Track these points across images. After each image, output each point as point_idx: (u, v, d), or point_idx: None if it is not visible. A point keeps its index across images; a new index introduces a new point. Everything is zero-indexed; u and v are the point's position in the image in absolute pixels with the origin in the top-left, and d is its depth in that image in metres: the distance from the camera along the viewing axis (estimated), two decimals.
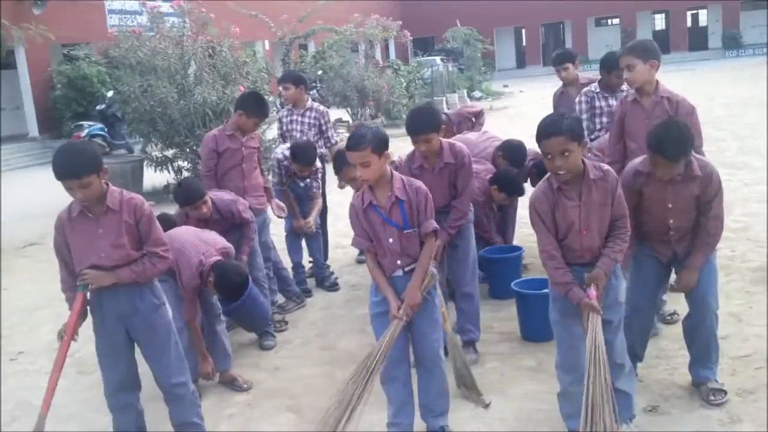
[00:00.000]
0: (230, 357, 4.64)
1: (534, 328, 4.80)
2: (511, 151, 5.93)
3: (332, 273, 6.44)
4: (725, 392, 3.82)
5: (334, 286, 6.31)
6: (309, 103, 6.63)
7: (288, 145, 6.12)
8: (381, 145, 3.45)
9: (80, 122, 18.55)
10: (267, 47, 27.95)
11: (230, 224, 4.96)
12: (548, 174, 3.37)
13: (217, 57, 11.34)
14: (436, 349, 3.67)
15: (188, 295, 4.30)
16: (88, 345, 5.47)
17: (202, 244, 4.40)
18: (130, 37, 11.41)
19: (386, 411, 3.70)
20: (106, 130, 18.39)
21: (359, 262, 6.84)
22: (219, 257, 4.40)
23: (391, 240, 3.51)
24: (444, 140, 4.42)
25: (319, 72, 21.72)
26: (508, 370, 4.45)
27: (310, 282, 6.38)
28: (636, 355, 3.93)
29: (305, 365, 4.83)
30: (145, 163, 12.15)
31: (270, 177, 6.09)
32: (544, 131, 3.24)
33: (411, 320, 3.56)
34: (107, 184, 3.41)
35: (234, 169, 5.39)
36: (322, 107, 6.72)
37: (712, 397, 3.80)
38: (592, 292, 3.27)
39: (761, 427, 3.53)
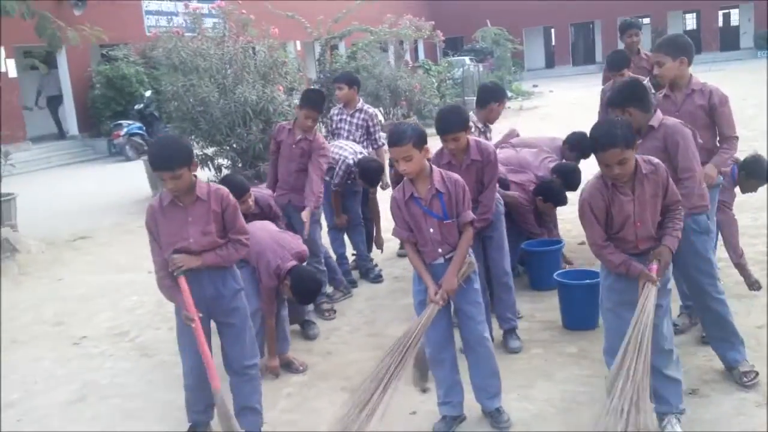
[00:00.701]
0: (288, 341, 4.89)
1: (576, 318, 5.01)
2: (577, 141, 6.17)
3: (376, 265, 6.68)
4: (757, 372, 3.99)
5: (378, 278, 6.55)
6: (360, 104, 6.82)
7: (358, 152, 6.30)
8: (421, 140, 3.67)
9: (119, 121, 19.00)
10: (299, 47, 28.29)
11: (265, 217, 5.17)
12: (598, 172, 3.51)
13: (257, 57, 11.63)
14: (482, 330, 3.89)
15: (266, 295, 4.55)
16: (147, 331, 5.82)
17: (279, 248, 4.62)
18: (172, 38, 11.73)
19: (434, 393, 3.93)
20: (144, 128, 18.83)
21: (400, 255, 7.07)
22: (295, 262, 4.64)
23: (431, 230, 3.74)
24: (471, 138, 4.58)
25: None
26: (551, 356, 4.66)
27: (355, 274, 6.62)
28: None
29: (355, 350, 5.07)
30: None
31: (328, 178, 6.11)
32: (601, 144, 3.35)
33: (456, 305, 3.81)
34: (195, 176, 3.66)
35: (285, 162, 5.69)
36: (372, 109, 6.91)
37: (745, 379, 3.97)
38: (654, 266, 3.44)
39: None
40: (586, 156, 6.21)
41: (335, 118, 6.87)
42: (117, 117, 19.59)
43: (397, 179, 6.79)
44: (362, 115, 6.78)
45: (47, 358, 5.51)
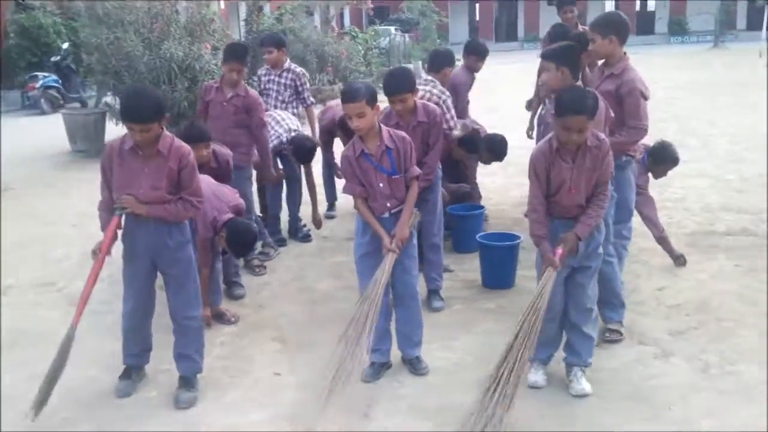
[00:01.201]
0: (221, 294, 5.04)
1: (494, 277, 5.33)
2: (494, 144, 6.48)
3: (304, 225, 6.85)
4: (621, 333, 4.38)
5: (307, 237, 6.73)
6: (287, 64, 6.91)
7: (293, 129, 6.36)
8: (373, 98, 3.86)
9: (35, 73, 18.34)
10: (222, 6, 27.77)
11: (221, 173, 5.27)
12: (550, 135, 3.73)
13: (184, 14, 11.50)
14: (414, 284, 4.14)
15: (201, 246, 4.63)
16: (74, 282, 5.84)
17: (215, 199, 4.72)
18: None
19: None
20: (60, 82, 18.25)
21: (328, 217, 7.28)
22: (231, 215, 4.76)
23: (381, 185, 3.95)
24: (418, 101, 4.80)
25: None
26: (471, 312, 4.96)
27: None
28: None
29: (286, 303, 5.26)
30: (107, 116, 12.23)
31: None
32: (570, 108, 3.50)
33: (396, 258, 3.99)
34: (162, 129, 3.70)
35: (217, 120, 5.74)
36: (299, 69, 6.98)
37: (607, 334, 4.36)
38: (559, 250, 3.68)
39: (689, 360, 4.12)
40: (500, 159, 6.57)
41: (263, 78, 6.94)
42: (32, 69, 18.89)
43: (325, 140, 6.99)
44: (290, 75, 6.88)
45: None
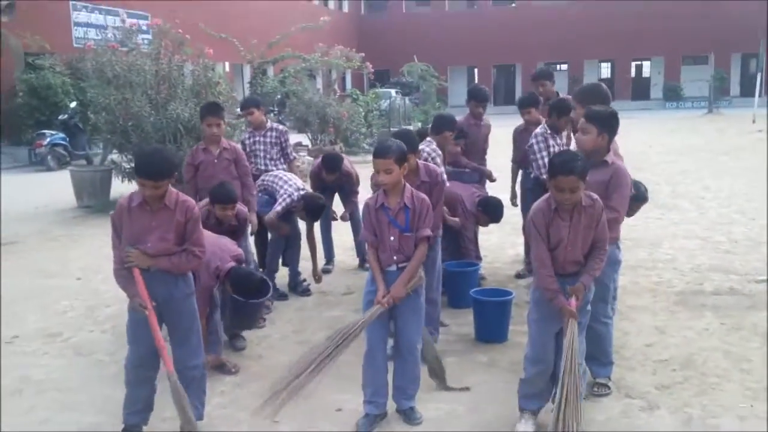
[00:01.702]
0: (221, 344, 5.19)
1: (488, 331, 5.50)
2: (491, 207, 6.74)
3: (304, 280, 7.03)
4: (608, 387, 4.52)
5: (306, 291, 6.90)
6: (269, 123, 7.30)
7: (301, 187, 6.61)
8: (402, 157, 4.10)
9: (42, 131, 18.76)
10: (227, 68, 28.48)
11: (237, 230, 5.56)
12: (547, 195, 3.92)
13: (191, 76, 11.88)
14: (415, 341, 4.28)
15: (203, 295, 4.78)
16: (79, 333, 6.00)
17: (219, 250, 4.96)
18: (107, 51, 11.87)
19: (359, 392, 4.30)
20: (67, 139, 18.65)
21: (325, 271, 7.46)
22: (233, 263, 4.98)
23: (392, 238, 4.16)
24: (420, 162, 5.08)
25: (278, 97, 22.32)
26: (465, 364, 5.11)
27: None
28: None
29: (284, 354, 5.38)
30: (113, 173, 12.52)
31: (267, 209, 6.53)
32: (561, 170, 3.71)
33: (396, 313, 4.18)
34: (169, 186, 3.94)
35: (211, 179, 5.91)
36: (281, 126, 7.41)
37: (596, 389, 4.50)
38: (573, 301, 3.88)
39: (674, 413, 4.27)
40: (497, 221, 6.86)
41: (247, 141, 7.22)
42: (39, 126, 19.35)
43: (314, 186, 7.25)
44: (275, 133, 7.24)
45: None
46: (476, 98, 7.26)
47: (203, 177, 6.04)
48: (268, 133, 7.20)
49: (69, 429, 4.30)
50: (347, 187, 7.57)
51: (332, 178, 7.22)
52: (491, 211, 6.67)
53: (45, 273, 8.03)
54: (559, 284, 3.93)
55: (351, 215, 7.60)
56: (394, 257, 4.18)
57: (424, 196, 4.27)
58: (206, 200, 5.55)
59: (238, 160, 6.11)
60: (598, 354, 4.54)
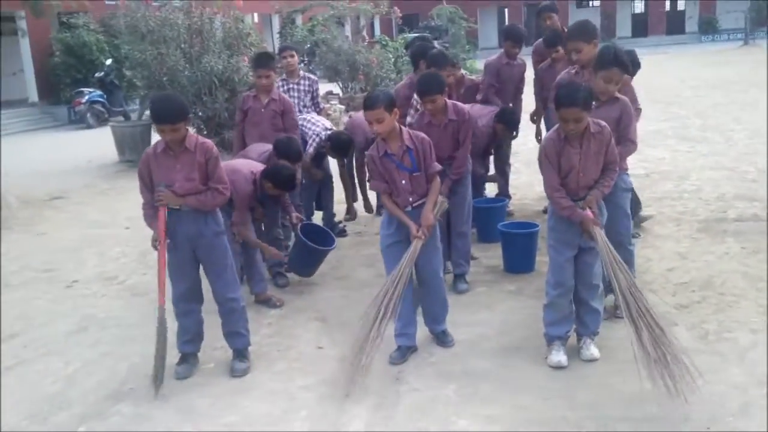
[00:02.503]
0: (265, 282, 5.57)
1: (515, 262, 5.80)
2: (507, 117, 6.84)
3: (339, 221, 7.35)
4: None
5: (342, 233, 7.23)
6: (301, 72, 7.44)
7: (328, 127, 6.80)
8: (391, 104, 4.26)
9: (80, 89, 19.23)
10: (256, 20, 28.59)
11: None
12: (557, 125, 4.12)
13: (221, 28, 12.11)
14: (438, 269, 4.57)
15: (241, 203, 5.13)
16: (134, 276, 6.43)
17: (247, 164, 5.38)
18: (140, 6, 12.13)
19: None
20: (105, 97, 19.10)
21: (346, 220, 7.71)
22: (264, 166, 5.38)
23: (403, 182, 4.39)
24: (449, 101, 5.27)
25: (307, 46, 22.43)
26: (494, 294, 5.43)
27: None
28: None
29: (325, 290, 5.78)
30: (152, 128, 12.90)
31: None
32: (564, 102, 3.92)
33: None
34: (187, 129, 4.26)
35: (256, 127, 6.27)
36: (313, 76, 7.55)
37: (618, 312, 4.47)
38: (589, 212, 4.10)
39: (691, 329, 4.55)
40: (514, 129, 6.98)
41: (281, 89, 7.27)
42: (77, 85, 19.81)
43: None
44: (307, 82, 7.38)
45: (42, 298, 6.07)
46: (512, 38, 7.26)
47: (250, 123, 6.32)
48: (301, 82, 7.36)
49: (132, 360, 4.71)
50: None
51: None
52: (507, 120, 6.71)
53: (97, 224, 8.50)
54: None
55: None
56: (410, 198, 4.39)
57: (422, 134, 4.45)
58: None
59: (285, 112, 6.30)
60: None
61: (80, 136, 17.51)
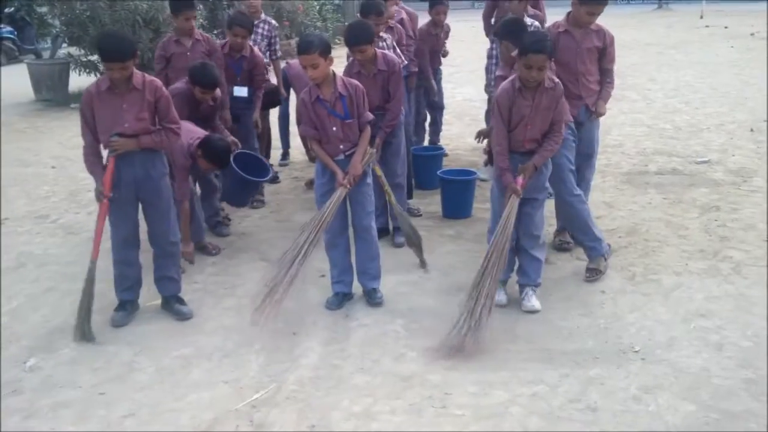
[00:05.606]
0: (203, 230, 5.51)
1: (453, 208, 5.99)
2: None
3: (271, 165, 7.30)
4: (601, 271, 4.78)
5: (276, 179, 7.18)
6: (263, 15, 7.18)
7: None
8: (326, 49, 4.14)
9: None
10: None
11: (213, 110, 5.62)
12: (512, 77, 4.23)
13: None
14: (370, 220, 4.51)
15: (181, 176, 4.96)
16: (66, 215, 6.32)
17: (186, 132, 5.04)
18: None
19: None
20: (15, 33, 18.18)
21: (282, 165, 7.75)
22: (201, 137, 5.22)
23: (335, 128, 4.29)
24: (378, 51, 5.17)
25: None
26: (433, 237, 5.59)
27: None
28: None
29: (265, 232, 5.84)
30: (71, 66, 12.44)
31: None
32: (532, 47, 3.96)
33: (350, 196, 4.39)
34: (133, 68, 4.08)
35: (183, 71, 5.71)
36: (273, 21, 7.30)
37: (587, 274, 4.79)
38: (520, 179, 4.21)
39: (619, 271, 4.87)
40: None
41: None
42: None
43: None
44: (267, 26, 7.17)
45: None
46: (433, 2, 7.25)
47: (175, 69, 5.86)
48: (261, 25, 7.06)
49: (75, 296, 4.66)
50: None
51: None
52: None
53: (20, 162, 8.21)
54: (516, 161, 4.26)
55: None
56: (341, 146, 4.33)
57: (356, 82, 4.39)
58: (181, 84, 5.45)
59: (212, 52, 5.94)
60: (580, 232, 4.85)
61: None
